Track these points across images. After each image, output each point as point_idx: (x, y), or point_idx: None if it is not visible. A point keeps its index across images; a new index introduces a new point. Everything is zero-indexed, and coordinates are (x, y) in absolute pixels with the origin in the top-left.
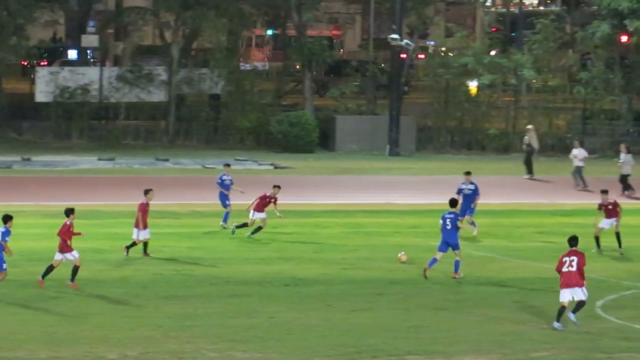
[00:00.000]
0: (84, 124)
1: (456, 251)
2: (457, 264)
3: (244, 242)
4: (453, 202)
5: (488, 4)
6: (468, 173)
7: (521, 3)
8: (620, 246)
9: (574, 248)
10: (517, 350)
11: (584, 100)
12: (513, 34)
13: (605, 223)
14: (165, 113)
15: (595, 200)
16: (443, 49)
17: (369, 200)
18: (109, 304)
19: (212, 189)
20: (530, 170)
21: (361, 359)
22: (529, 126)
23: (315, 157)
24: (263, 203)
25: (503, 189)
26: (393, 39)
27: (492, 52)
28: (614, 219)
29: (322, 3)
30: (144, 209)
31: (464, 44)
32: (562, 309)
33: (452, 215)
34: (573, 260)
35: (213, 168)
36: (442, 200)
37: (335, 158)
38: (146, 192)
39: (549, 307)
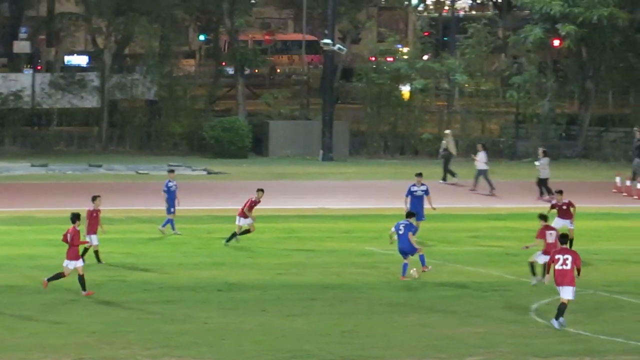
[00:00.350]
0: (16, 131)
1: (414, 254)
2: (421, 258)
3: (177, 248)
4: (409, 214)
5: (420, 8)
6: (419, 175)
7: (453, 7)
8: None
9: (565, 246)
10: (452, 354)
11: (516, 105)
12: (445, 39)
13: (558, 222)
14: (98, 119)
15: (506, 205)
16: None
17: (303, 205)
18: (43, 311)
19: (146, 194)
20: (445, 177)
21: None
22: (447, 131)
23: (249, 162)
24: (250, 209)
25: (437, 193)
26: (325, 43)
27: (425, 57)
28: (569, 220)
29: (254, 8)
30: (90, 215)
31: (396, 49)
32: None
33: (406, 223)
34: (567, 259)
35: (146, 174)
36: (375, 205)
37: (268, 163)
38: (94, 198)
39: (483, 311)
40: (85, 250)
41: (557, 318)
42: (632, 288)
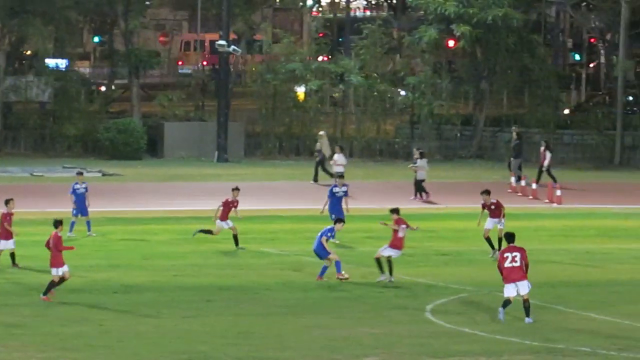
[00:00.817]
0: None
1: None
2: (337, 265)
3: (73, 250)
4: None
5: (315, 9)
6: (341, 176)
7: (348, 8)
8: (494, 248)
9: (512, 244)
10: (347, 355)
11: (411, 105)
12: (340, 40)
13: (490, 223)
14: None
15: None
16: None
17: (198, 207)
18: None
19: (41, 196)
20: (317, 178)
21: None
22: (321, 132)
23: (144, 164)
24: (227, 210)
25: (311, 195)
26: (220, 45)
27: (320, 58)
28: (498, 219)
29: (149, 10)
30: (4, 218)
31: (292, 50)
32: (508, 302)
33: (327, 229)
34: (516, 256)
35: (41, 176)
36: (270, 206)
37: (163, 165)
38: (7, 202)
39: (379, 311)
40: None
41: (528, 315)
42: None
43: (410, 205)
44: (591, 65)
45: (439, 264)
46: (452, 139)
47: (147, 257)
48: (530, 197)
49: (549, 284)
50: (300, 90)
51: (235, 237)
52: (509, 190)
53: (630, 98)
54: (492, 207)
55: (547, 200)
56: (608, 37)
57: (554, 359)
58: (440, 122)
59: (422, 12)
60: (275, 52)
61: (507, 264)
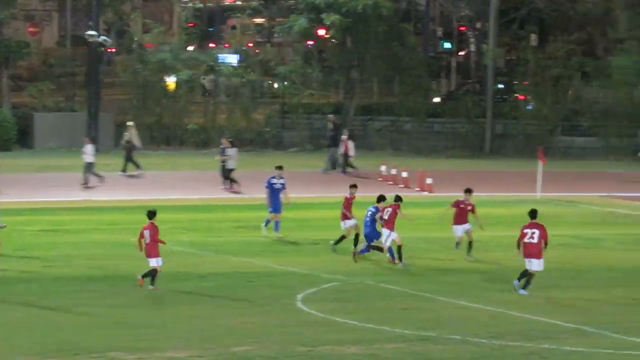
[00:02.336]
0: None
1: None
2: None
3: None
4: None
5: None
6: (280, 167)
7: None
8: (469, 252)
9: (534, 220)
10: (220, 345)
11: (282, 95)
12: (211, 29)
13: (459, 231)
14: None
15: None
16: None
17: (69, 198)
18: None
19: None
20: (126, 168)
21: (62, 356)
22: (129, 123)
23: (14, 155)
24: (348, 208)
25: (202, 184)
26: (90, 35)
27: (190, 48)
28: (464, 225)
29: (18, 0)
30: None
31: (161, 40)
32: (527, 273)
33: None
34: (534, 233)
35: None
36: (141, 196)
37: (34, 155)
38: None
39: (251, 301)
40: None
41: (524, 288)
42: (398, 277)
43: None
44: (461, 53)
45: (310, 253)
46: (322, 128)
47: (19, 248)
48: (402, 185)
49: (419, 271)
50: (171, 81)
51: (342, 238)
52: (380, 179)
53: (501, 86)
54: (467, 207)
55: (417, 189)
56: (478, 25)
57: (426, 347)
58: (310, 112)
59: (292, 1)
60: (145, 42)
61: (526, 240)
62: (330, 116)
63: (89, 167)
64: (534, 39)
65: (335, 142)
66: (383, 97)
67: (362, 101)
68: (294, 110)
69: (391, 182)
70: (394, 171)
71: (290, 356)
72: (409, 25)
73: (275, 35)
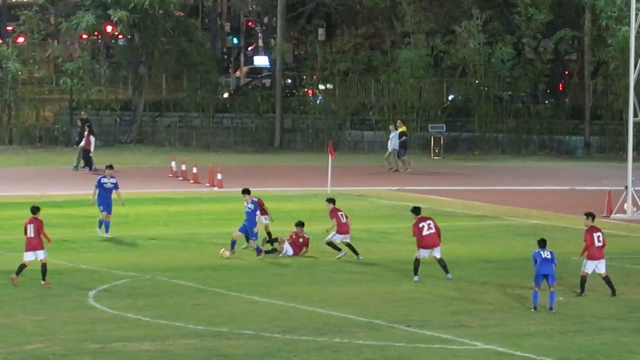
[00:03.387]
0: None
1: None
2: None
3: None
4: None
5: None
6: (110, 167)
7: None
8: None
9: (420, 214)
10: (9, 343)
11: (70, 91)
12: None
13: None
14: None
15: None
16: None
17: None
18: None
19: None
20: None
21: None
22: None
23: None
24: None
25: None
26: None
27: None
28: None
29: None
30: None
31: None
32: (417, 262)
33: None
34: (430, 224)
35: None
36: None
37: None
38: None
39: (41, 298)
40: None
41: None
42: (190, 273)
43: (69, 192)
44: (249, 48)
45: (101, 249)
46: (111, 124)
47: None
48: (192, 180)
49: (211, 267)
50: None
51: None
52: (170, 175)
53: (289, 81)
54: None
55: (208, 184)
56: (265, 20)
57: (218, 342)
58: (99, 108)
59: None
60: None
61: (425, 232)
62: (83, 113)
63: None
64: (321, 33)
65: (81, 139)
66: (172, 92)
67: (151, 97)
68: (82, 107)
69: (181, 178)
70: (183, 167)
71: (82, 353)
72: (196, 21)
73: (63, 31)
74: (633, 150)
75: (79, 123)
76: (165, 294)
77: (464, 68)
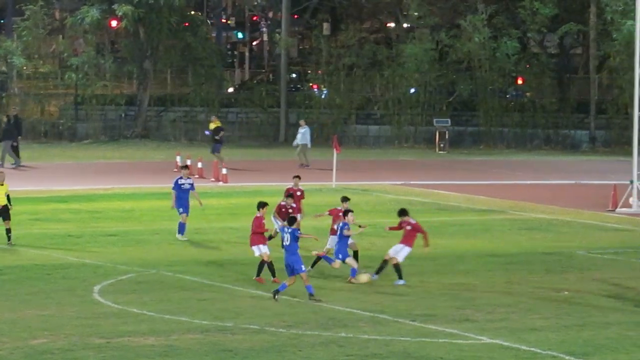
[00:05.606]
0: None
1: None
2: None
3: None
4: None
5: None
6: (185, 167)
7: None
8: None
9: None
10: (14, 338)
11: (75, 86)
12: (2, 21)
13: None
14: None
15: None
16: None
17: None
18: None
19: None
20: None
21: None
22: None
23: None
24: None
25: None
26: None
27: None
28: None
29: None
30: None
31: None
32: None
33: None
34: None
35: None
36: None
37: None
38: None
39: (47, 293)
40: None
41: (377, 273)
42: (195, 267)
43: (74, 187)
44: (254, 43)
45: (106, 244)
46: (116, 119)
47: None
48: (197, 175)
49: (216, 262)
50: None
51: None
52: (175, 170)
53: (294, 75)
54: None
55: (213, 179)
56: (270, 15)
57: (224, 337)
58: (104, 103)
59: None
60: None
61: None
62: (16, 108)
63: None
64: (326, 27)
65: (9, 135)
66: (177, 87)
67: (156, 92)
68: (87, 102)
69: (197, 176)
70: (189, 161)
71: (87, 348)
72: (201, 15)
73: (68, 26)
74: (638, 144)
75: (5, 119)
76: (170, 289)
77: (469, 62)
